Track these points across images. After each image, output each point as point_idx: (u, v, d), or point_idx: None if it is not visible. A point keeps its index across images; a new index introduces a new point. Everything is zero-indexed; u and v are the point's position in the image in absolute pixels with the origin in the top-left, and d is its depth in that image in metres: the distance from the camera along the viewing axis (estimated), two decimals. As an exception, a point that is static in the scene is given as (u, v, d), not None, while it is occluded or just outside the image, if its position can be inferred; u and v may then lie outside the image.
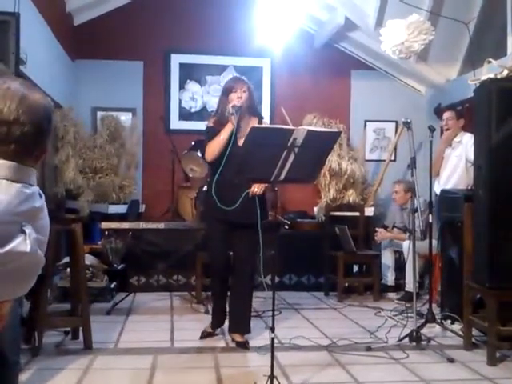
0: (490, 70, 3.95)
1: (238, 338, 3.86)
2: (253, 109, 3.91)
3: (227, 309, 4.03)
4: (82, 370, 3.33)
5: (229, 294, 4.01)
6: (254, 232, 3.68)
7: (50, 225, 1.64)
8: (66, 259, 4.54)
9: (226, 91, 3.85)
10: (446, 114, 5.26)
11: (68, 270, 4.43)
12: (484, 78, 3.79)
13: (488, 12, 5.58)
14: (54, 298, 4.79)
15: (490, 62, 4.05)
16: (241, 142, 3.72)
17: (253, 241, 3.75)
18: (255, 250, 3.83)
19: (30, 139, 1.51)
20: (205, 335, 4.04)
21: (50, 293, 4.28)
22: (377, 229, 5.92)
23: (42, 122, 1.53)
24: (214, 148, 3.77)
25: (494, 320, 3.52)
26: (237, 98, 3.76)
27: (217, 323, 4.06)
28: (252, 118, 3.88)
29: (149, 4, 6.54)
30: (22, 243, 1.45)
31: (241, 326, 3.91)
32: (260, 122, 3.90)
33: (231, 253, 4.00)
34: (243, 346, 3.80)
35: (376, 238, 5.83)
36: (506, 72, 3.78)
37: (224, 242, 3.91)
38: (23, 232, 1.47)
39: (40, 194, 1.57)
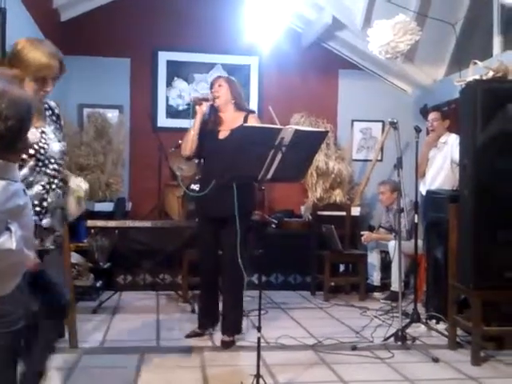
0: (475, 72, 3.99)
1: (225, 337, 3.85)
2: (238, 103, 3.93)
3: (218, 309, 4.01)
4: (68, 368, 3.31)
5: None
6: (235, 228, 3.59)
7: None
8: (52, 257, 4.51)
9: (210, 89, 3.95)
10: (431, 115, 5.30)
11: (53, 268, 4.39)
12: (470, 79, 3.82)
13: (474, 13, 5.63)
14: (38, 297, 4.76)
15: (475, 63, 4.08)
16: (221, 134, 3.84)
17: (234, 238, 3.61)
18: (236, 247, 3.60)
19: (14, 133, 1.50)
20: (192, 335, 4.01)
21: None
22: (362, 232, 5.95)
23: (24, 116, 1.53)
24: (185, 141, 3.88)
25: (478, 320, 3.54)
26: (212, 94, 3.86)
27: (205, 323, 4.03)
28: (238, 112, 3.90)
29: (137, 1, 6.50)
30: (8, 241, 1.45)
31: (231, 325, 3.90)
32: (247, 116, 3.87)
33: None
34: (226, 345, 3.79)
35: (363, 240, 5.85)
36: (491, 73, 3.81)
37: (210, 241, 3.89)
38: (8, 229, 1.46)
39: (24, 191, 1.56)
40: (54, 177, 2.33)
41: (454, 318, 3.85)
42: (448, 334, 3.94)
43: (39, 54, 2.21)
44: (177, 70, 6.72)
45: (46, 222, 2.28)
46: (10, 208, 1.48)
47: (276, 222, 6.09)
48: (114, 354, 3.64)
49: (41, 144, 2.27)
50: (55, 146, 2.35)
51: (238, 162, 2.94)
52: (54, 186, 2.33)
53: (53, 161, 2.32)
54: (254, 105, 6.77)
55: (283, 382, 3.18)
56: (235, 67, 6.77)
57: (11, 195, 1.48)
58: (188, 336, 4.00)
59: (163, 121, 6.65)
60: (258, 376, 2.90)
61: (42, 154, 2.26)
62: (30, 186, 2.20)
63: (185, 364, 3.49)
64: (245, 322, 4.11)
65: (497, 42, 5.24)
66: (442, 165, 5.16)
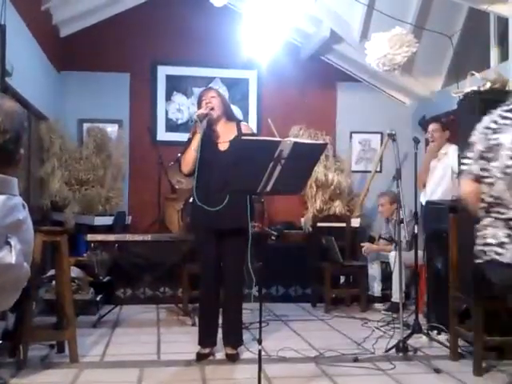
0: (473, 83, 4.01)
1: (229, 350, 3.82)
2: (228, 114, 3.96)
3: (218, 323, 3.93)
4: (68, 383, 3.29)
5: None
6: (243, 240, 3.64)
7: (35, 237, 1.64)
8: (52, 272, 4.51)
9: (198, 103, 3.94)
10: (432, 126, 5.31)
11: (53, 282, 4.39)
12: (467, 90, 3.85)
13: (471, 26, 5.66)
14: (39, 311, 4.74)
15: (473, 74, 4.11)
16: (222, 146, 3.80)
17: (242, 250, 3.68)
18: (244, 260, 3.72)
19: (13, 145, 1.51)
20: (200, 358, 3.79)
21: (35, 306, 4.24)
22: (362, 244, 5.93)
23: (19, 128, 1.54)
24: (186, 160, 3.83)
25: (479, 330, 3.54)
26: (205, 105, 3.81)
27: (207, 340, 3.86)
28: (229, 123, 3.92)
29: (135, 16, 6.55)
30: (8, 255, 1.45)
31: (233, 338, 3.86)
32: (238, 125, 3.91)
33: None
34: (232, 358, 3.77)
35: (363, 251, 5.84)
36: (488, 84, 3.84)
37: (213, 254, 3.83)
38: (8, 244, 1.46)
39: (23, 205, 1.56)
40: None
41: (456, 329, 3.84)
42: (449, 345, 3.92)
43: None
44: (176, 84, 6.76)
45: None
46: (10, 222, 1.48)
47: (276, 234, 6.09)
48: (115, 369, 3.62)
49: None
50: None
51: (237, 175, 2.95)
52: None
53: None
54: (253, 118, 6.81)
55: (284, 394, 3.17)
56: (234, 81, 6.81)
57: (11, 209, 1.49)
58: (197, 360, 3.77)
59: (162, 134, 6.68)
60: (259, 389, 2.89)
61: None
62: None
63: (185, 378, 3.47)
64: (245, 335, 4.10)
65: (494, 53, 5.28)
66: (443, 175, 5.16)
